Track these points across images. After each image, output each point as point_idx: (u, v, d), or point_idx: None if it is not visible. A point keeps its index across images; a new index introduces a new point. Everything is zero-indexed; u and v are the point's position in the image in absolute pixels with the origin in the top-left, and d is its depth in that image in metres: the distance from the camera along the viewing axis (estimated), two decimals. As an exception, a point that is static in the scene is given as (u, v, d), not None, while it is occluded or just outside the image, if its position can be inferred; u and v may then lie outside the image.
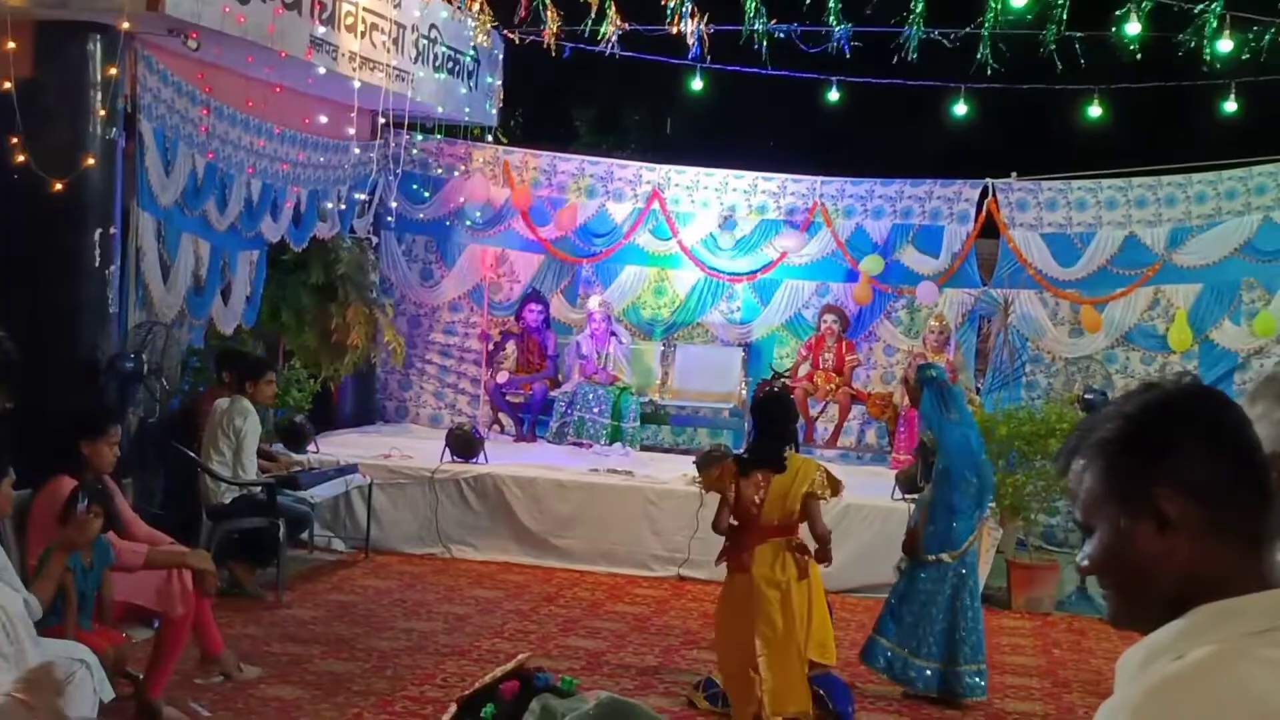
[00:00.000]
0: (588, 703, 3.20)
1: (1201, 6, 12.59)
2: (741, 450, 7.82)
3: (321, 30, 11.07)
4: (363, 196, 13.82)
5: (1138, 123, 16.05)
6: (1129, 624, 2.02)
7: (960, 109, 14.54)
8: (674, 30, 13.35)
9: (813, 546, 7.71)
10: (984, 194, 14.45)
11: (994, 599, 11.24)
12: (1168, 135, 16.97)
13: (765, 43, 13.50)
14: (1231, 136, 14.79)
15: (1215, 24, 12.67)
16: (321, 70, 11.29)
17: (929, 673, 8.57)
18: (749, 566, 7.42)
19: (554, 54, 14.01)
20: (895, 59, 13.32)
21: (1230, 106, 13.98)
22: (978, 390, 14.19)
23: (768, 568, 7.41)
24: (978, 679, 8.59)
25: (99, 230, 9.77)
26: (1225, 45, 12.87)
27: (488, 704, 3.19)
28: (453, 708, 3.45)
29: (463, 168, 15.10)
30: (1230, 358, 13.64)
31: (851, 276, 14.62)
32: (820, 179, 14.84)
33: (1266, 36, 12.82)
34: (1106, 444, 2.03)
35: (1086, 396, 12.88)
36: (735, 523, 7.57)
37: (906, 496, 11.73)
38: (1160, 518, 1.96)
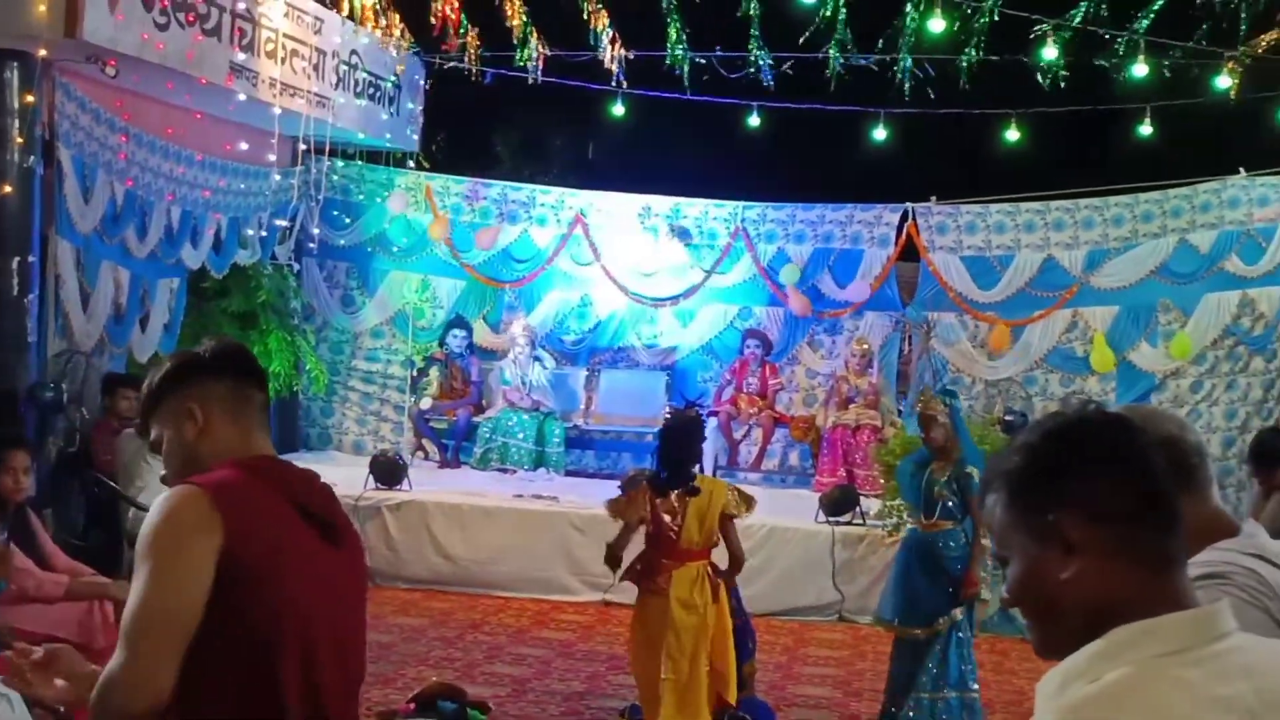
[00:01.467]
0: None
1: (1116, 33, 12.81)
2: (652, 474, 7.68)
3: (241, 57, 11.03)
4: (284, 223, 13.73)
5: (1055, 146, 16.24)
6: (1051, 653, 2.03)
7: (880, 134, 14.65)
8: (597, 56, 13.44)
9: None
10: (904, 218, 14.60)
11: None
12: (1085, 159, 17.19)
13: (686, 68, 13.61)
14: (1147, 160, 14.97)
15: (1129, 50, 12.91)
16: (242, 97, 11.25)
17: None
18: (666, 590, 7.37)
19: (474, 79, 14.06)
20: (825, 84, 13.47)
21: (1146, 130, 14.17)
22: (899, 413, 14.31)
23: (686, 591, 7.36)
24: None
25: (17, 259, 9.67)
26: (1140, 70, 13.10)
27: (380, 721, 3.22)
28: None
29: (384, 194, 15.06)
30: (1148, 379, 13.81)
31: (774, 300, 14.73)
32: (742, 204, 14.96)
33: (1228, 66, 13.04)
34: (1010, 474, 2.06)
35: (1006, 418, 13.02)
36: (649, 546, 7.57)
37: (830, 520, 11.81)
38: (1065, 544, 1.98)
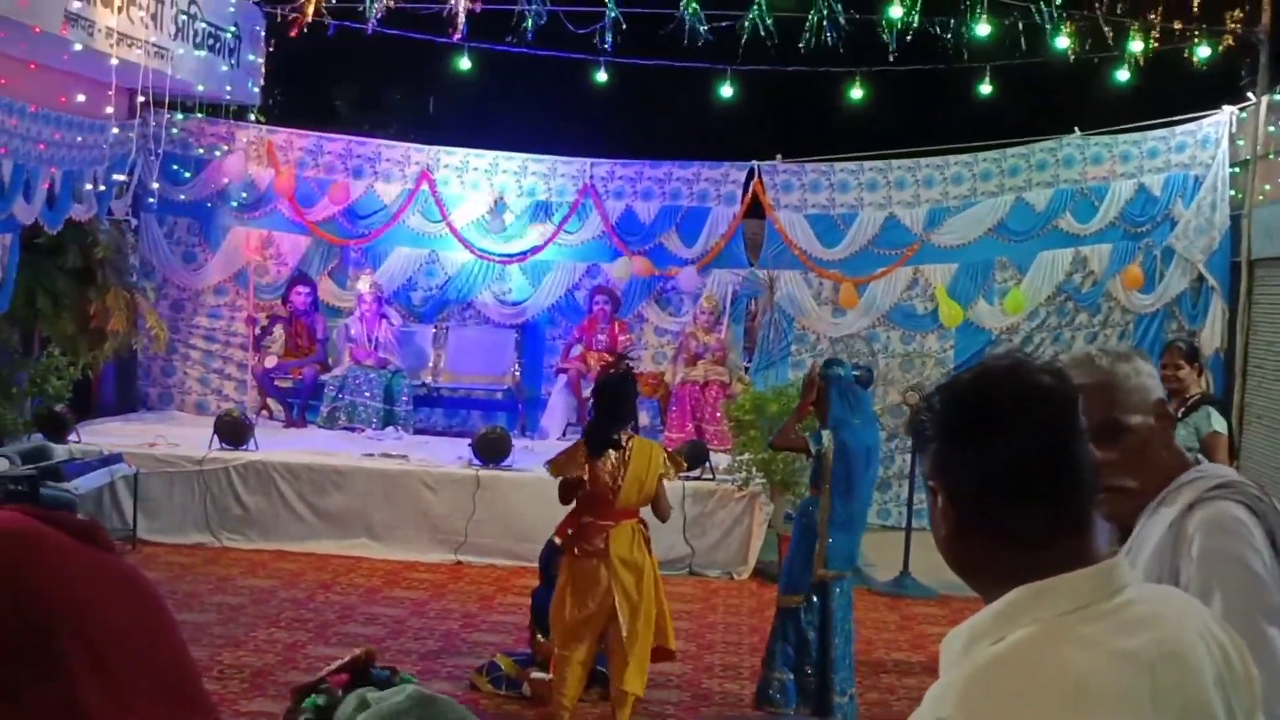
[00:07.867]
0: (399, 695, 3.16)
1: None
2: (585, 433, 7.64)
3: (77, 5, 10.69)
4: (121, 177, 13.34)
5: (898, 105, 16.42)
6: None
7: (727, 91, 14.67)
8: (444, 7, 13.29)
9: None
10: (750, 176, 14.69)
11: (765, 573, 11.46)
12: (928, 118, 17.40)
13: (531, 23, 13.48)
14: (987, 119, 15.21)
15: (973, 8, 13.11)
16: (77, 47, 10.91)
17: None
18: (605, 550, 7.32)
19: (305, 32, 13.83)
20: (674, 40, 13.46)
21: (986, 89, 14.40)
22: (746, 369, 14.46)
23: (625, 550, 7.35)
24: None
25: None
26: (983, 29, 13.32)
27: (311, 695, 3.12)
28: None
29: (225, 148, 14.74)
30: (984, 336, 14.11)
31: (621, 257, 14.73)
32: (590, 161, 14.92)
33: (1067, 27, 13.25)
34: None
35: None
36: (581, 507, 7.47)
37: (681, 475, 11.87)
38: (941, 511, 2.03)
